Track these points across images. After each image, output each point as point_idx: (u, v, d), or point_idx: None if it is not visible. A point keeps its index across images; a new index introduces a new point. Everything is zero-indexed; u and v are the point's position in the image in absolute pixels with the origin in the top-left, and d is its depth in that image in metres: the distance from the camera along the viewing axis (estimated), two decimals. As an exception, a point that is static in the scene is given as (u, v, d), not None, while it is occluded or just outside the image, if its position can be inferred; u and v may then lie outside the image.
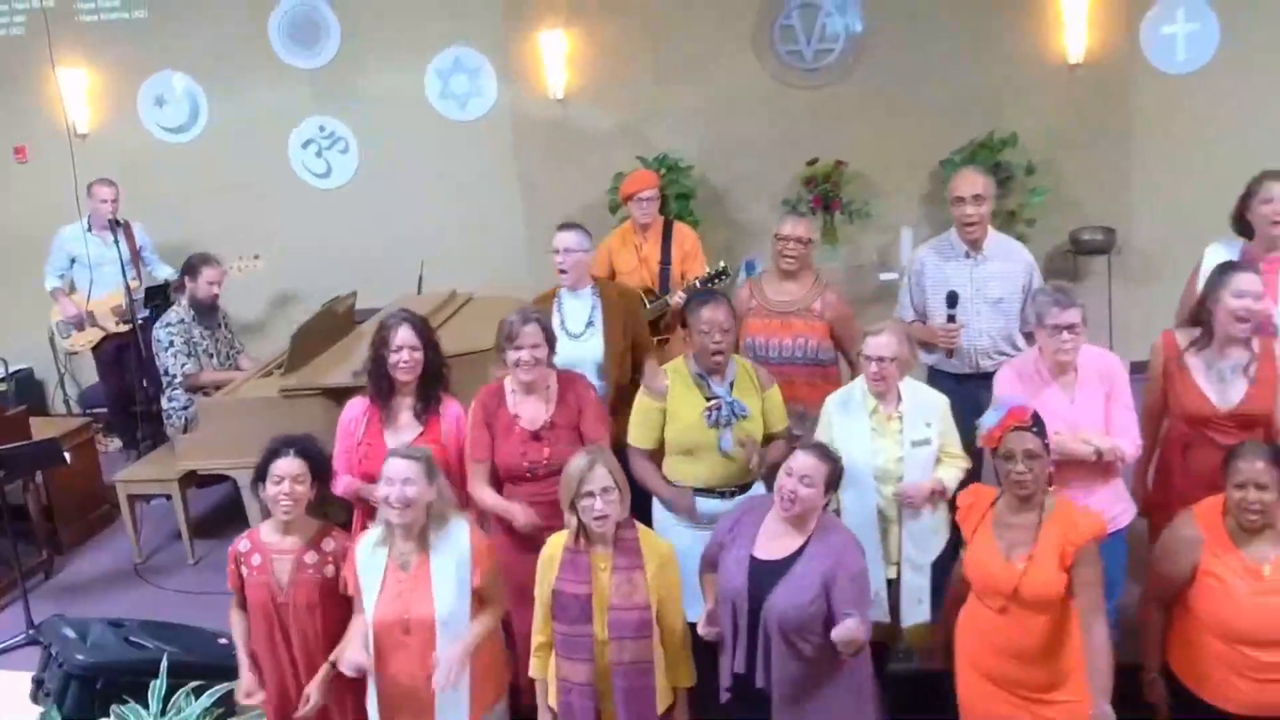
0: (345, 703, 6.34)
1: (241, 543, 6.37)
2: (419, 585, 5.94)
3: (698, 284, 8.94)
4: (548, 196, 12.66)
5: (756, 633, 5.89)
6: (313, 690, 6.11)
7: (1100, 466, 6.52)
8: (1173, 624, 5.99)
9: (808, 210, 12.24)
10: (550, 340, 6.91)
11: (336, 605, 6.26)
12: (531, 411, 6.92)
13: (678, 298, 9.02)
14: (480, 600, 6.06)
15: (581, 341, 7.94)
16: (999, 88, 12.27)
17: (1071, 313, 6.45)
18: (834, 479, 5.95)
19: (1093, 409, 6.60)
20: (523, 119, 12.88)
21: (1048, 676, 5.79)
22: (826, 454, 5.95)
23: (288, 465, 6.13)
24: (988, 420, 5.89)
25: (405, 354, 6.91)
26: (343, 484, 6.98)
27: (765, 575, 5.91)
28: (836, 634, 5.62)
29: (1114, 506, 6.61)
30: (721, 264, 9.15)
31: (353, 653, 5.95)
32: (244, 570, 6.30)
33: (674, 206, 11.81)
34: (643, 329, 8.19)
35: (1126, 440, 6.55)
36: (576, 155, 12.68)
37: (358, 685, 6.18)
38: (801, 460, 5.84)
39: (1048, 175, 12.07)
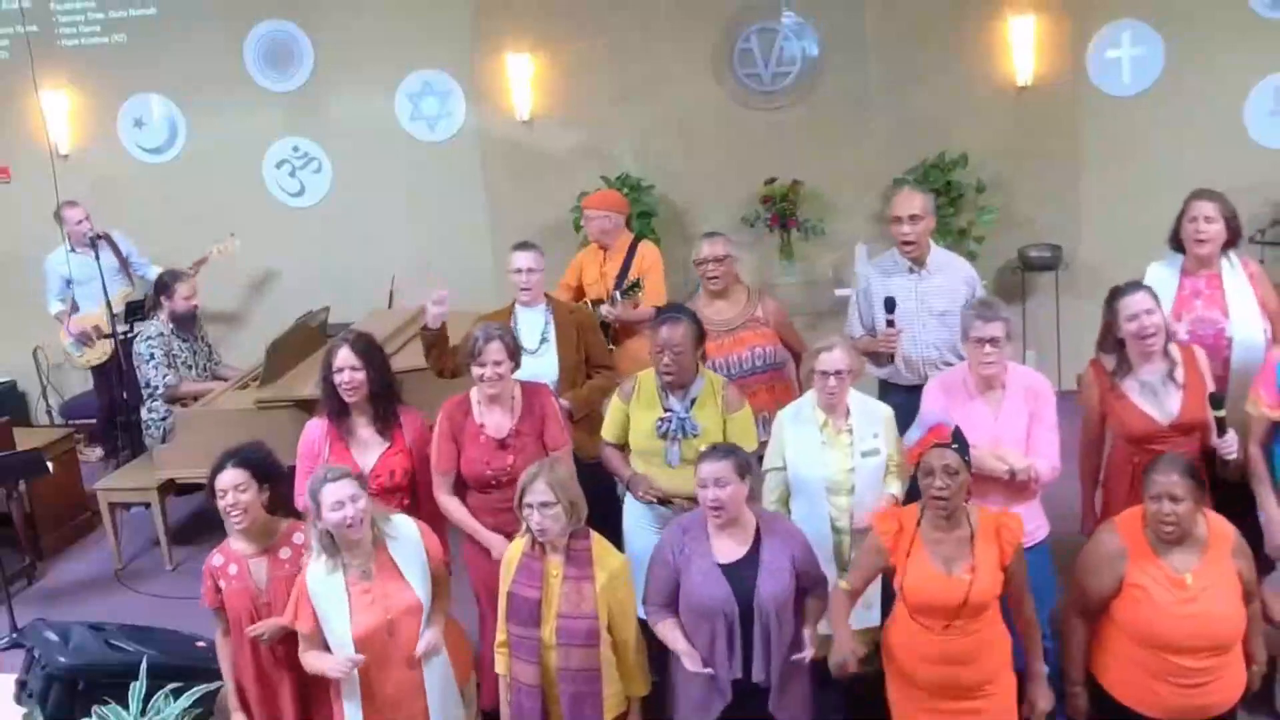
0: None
1: (215, 557, 6.50)
2: (391, 582, 6.09)
3: (618, 295, 9.42)
4: (514, 214, 12.89)
5: (752, 631, 6.03)
6: (270, 624, 6.35)
7: (1015, 485, 6.65)
8: (1096, 633, 6.11)
9: (765, 228, 12.60)
10: (514, 355, 7.08)
11: None
12: (496, 421, 7.10)
13: (604, 309, 9.35)
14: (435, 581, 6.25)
15: (537, 357, 8.19)
16: (950, 110, 12.51)
17: (994, 326, 6.60)
18: (742, 468, 6.08)
19: (1016, 426, 6.76)
20: (490, 140, 13.13)
21: (986, 672, 5.93)
22: (724, 451, 6.12)
23: (228, 477, 6.29)
24: (910, 437, 6.12)
25: (346, 374, 7.06)
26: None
27: (740, 575, 6.04)
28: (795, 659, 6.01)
29: (1029, 524, 6.60)
30: (636, 279, 9.48)
31: (334, 660, 6.09)
32: (222, 584, 6.43)
33: (636, 224, 12.01)
34: (596, 343, 8.48)
35: (1044, 461, 6.70)
36: (542, 175, 12.94)
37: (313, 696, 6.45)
38: (706, 468, 6.00)
39: (997, 194, 12.32)
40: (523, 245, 8.47)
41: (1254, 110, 12.29)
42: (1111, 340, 6.85)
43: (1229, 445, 6.62)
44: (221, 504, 6.31)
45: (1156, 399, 6.74)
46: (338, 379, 7.05)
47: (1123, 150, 12.42)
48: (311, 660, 6.13)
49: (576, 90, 12.92)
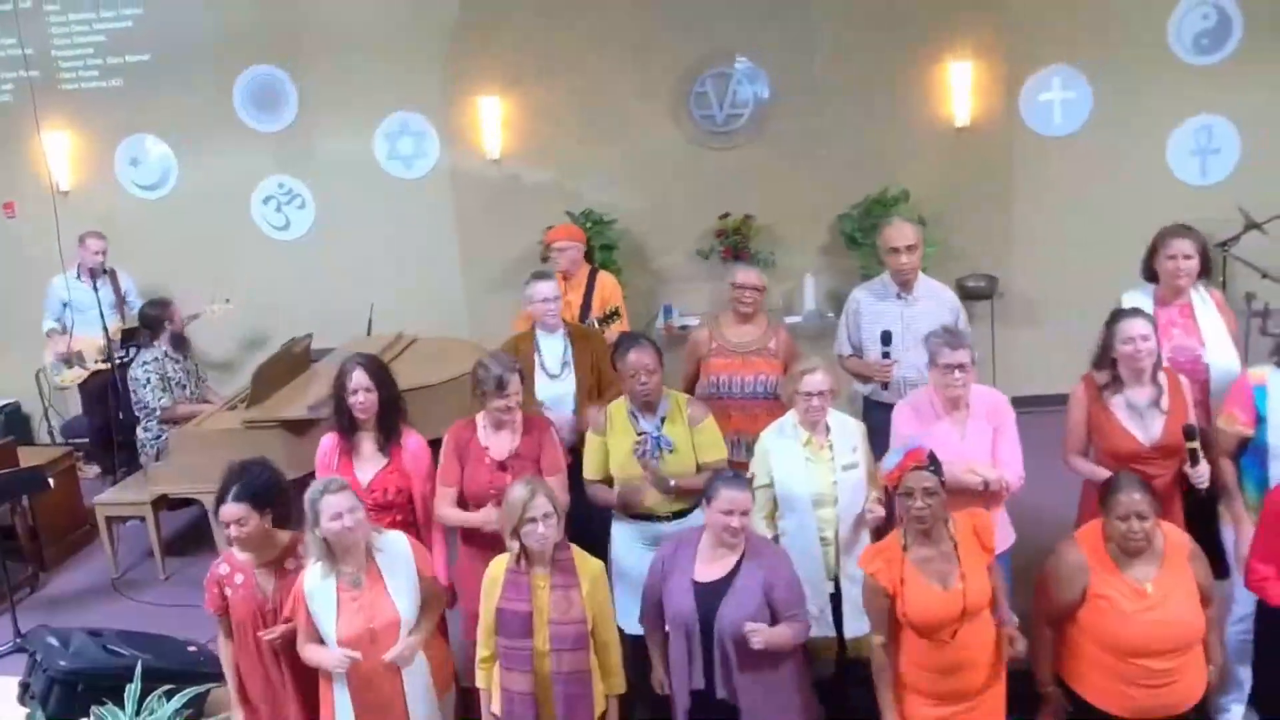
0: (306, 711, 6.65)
1: (221, 566, 6.64)
2: (377, 595, 6.22)
3: (595, 324, 9.58)
4: (485, 247, 13.39)
5: (711, 649, 6.19)
6: (280, 628, 6.44)
7: (985, 496, 6.81)
8: (1065, 641, 6.21)
9: (719, 260, 12.96)
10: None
11: None
12: (499, 444, 7.28)
13: None
14: (422, 597, 6.37)
15: (559, 381, 8.48)
16: (892, 148, 12.97)
17: (961, 353, 6.81)
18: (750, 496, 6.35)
19: (981, 443, 6.94)
20: (462, 177, 13.52)
21: (988, 673, 6.08)
22: (743, 480, 6.33)
23: (228, 511, 6.44)
24: (888, 462, 6.15)
25: (360, 395, 7.24)
26: None
27: (710, 594, 6.20)
28: (749, 632, 6.02)
29: (997, 533, 6.65)
30: (613, 307, 9.82)
31: (331, 655, 6.19)
32: (227, 591, 6.58)
33: (599, 256, 12.41)
34: (608, 366, 8.43)
35: (1010, 472, 6.89)
36: (511, 210, 13.29)
37: (315, 696, 6.48)
38: (729, 495, 6.15)
39: (936, 228, 12.45)
40: (541, 274, 8.73)
41: (1177, 150, 12.82)
42: (1106, 359, 7.01)
43: (1201, 476, 6.77)
44: (226, 531, 6.53)
45: (1142, 421, 6.91)
46: (352, 400, 7.26)
47: (1054, 187, 12.91)
48: (310, 654, 6.32)
49: (543, 131, 13.32)
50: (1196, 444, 6.75)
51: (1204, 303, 7.59)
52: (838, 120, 12.91)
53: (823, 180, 12.93)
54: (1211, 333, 7.49)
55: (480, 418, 7.34)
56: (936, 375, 6.95)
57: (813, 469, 7.00)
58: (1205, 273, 7.60)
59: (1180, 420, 6.84)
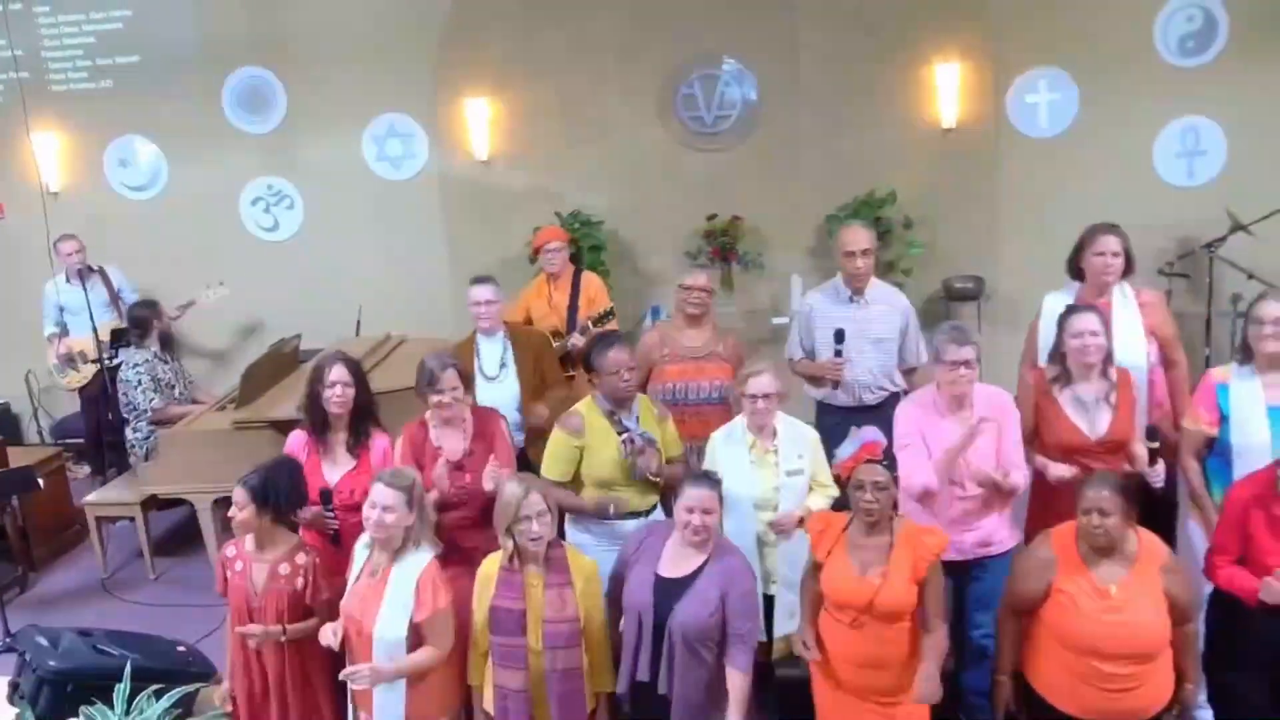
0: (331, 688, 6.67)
1: (228, 549, 6.72)
2: (374, 598, 6.19)
3: (589, 324, 9.63)
4: (473, 249, 13.33)
5: (661, 643, 6.16)
6: (257, 629, 6.47)
7: (999, 495, 6.88)
8: (1029, 637, 6.28)
9: (707, 261, 13.04)
10: (466, 381, 7.32)
11: (303, 616, 6.56)
12: (452, 443, 7.30)
13: (574, 339, 9.62)
14: (420, 636, 6.18)
15: (497, 383, 8.62)
16: (880, 150, 13.01)
17: (966, 349, 6.81)
18: (720, 498, 6.31)
19: (985, 443, 6.89)
20: (450, 179, 13.61)
21: (896, 681, 6.15)
22: (711, 480, 6.32)
23: (234, 493, 6.52)
24: (843, 452, 6.24)
25: (338, 389, 7.26)
26: None
27: (669, 591, 6.20)
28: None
29: (1000, 532, 6.98)
30: (608, 306, 9.92)
31: (326, 632, 6.25)
32: (229, 574, 6.63)
33: (586, 258, 12.62)
34: (552, 365, 8.90)
35: (1018, 472, 6.90)
36: (499, 212, 13.41)
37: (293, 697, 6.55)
38: (697, 494, 6.17)
39: (923, 229, 12.80)
40: (480, 279, 8.88)
41: (1162, 152, 12.82)
42: (1058, 353, 7.13)
43: (1158, 476, 6.89)
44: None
45: (1088, 415, 7.01)
46: (329, 393, 7.27)
47: (1040, 188, 12.91)
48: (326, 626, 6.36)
49: (532, 132, 13.40)
50: (1157, 444, 6.88)
51: (1124, 298, 7.69)
52: (825, 122, 12.97)
53: (810, 181, 13.01)
54: (1123, 329, 7.54)
55: (430, 418, 7.36)
56: (942, 371, 6.94)
57: (757, 472, 7.07)
58: (1129, 271, 7.72)
59: (1128, 418, 6.98)
